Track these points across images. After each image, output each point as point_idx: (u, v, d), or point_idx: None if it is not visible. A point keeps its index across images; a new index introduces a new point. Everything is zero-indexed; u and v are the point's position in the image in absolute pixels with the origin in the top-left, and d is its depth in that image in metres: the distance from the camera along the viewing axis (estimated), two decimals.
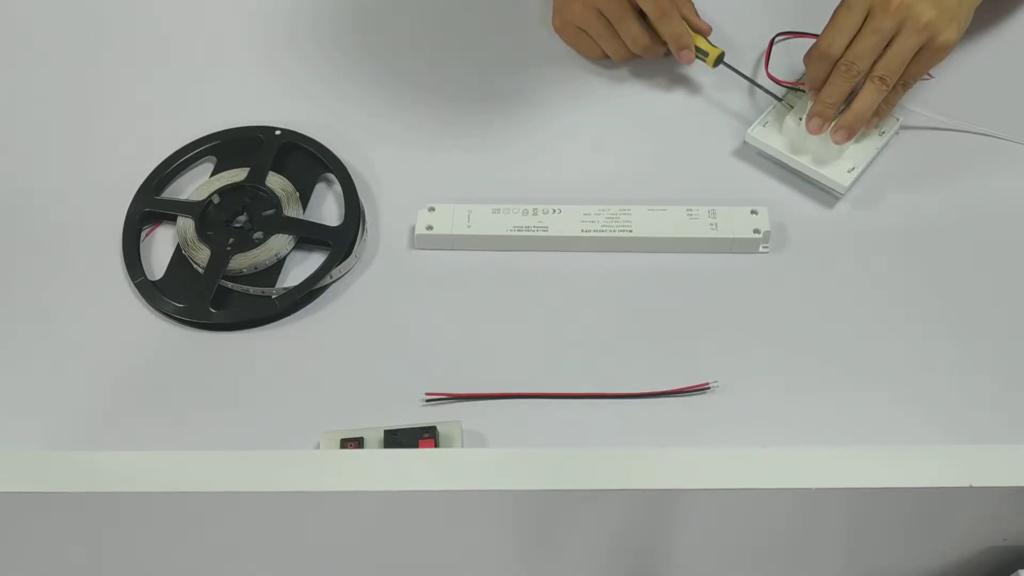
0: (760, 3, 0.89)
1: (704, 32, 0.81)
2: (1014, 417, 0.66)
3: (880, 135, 0.77)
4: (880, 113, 0.75)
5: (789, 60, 0.82)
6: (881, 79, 0.72)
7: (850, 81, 0.73)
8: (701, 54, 0.80)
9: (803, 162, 0.76)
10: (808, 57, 0.75)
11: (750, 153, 0.79)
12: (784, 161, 0.77)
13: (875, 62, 0.72)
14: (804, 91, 0.77)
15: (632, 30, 0.80)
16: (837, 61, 0.73)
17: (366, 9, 0.90)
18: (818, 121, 0.74)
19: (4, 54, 0.88)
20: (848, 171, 0.75)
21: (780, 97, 0.79)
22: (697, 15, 0.81)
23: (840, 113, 0.75)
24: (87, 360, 0.69)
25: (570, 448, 0.47)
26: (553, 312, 0.72)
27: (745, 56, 0.84)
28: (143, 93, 0.84)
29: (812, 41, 0.75)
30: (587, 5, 0.81)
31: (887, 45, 0.72)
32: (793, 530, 0.51)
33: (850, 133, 0.74)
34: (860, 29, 0.71)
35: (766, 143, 0.77)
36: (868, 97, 0.73)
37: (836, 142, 0.74)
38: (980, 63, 0.83)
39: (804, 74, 0.78)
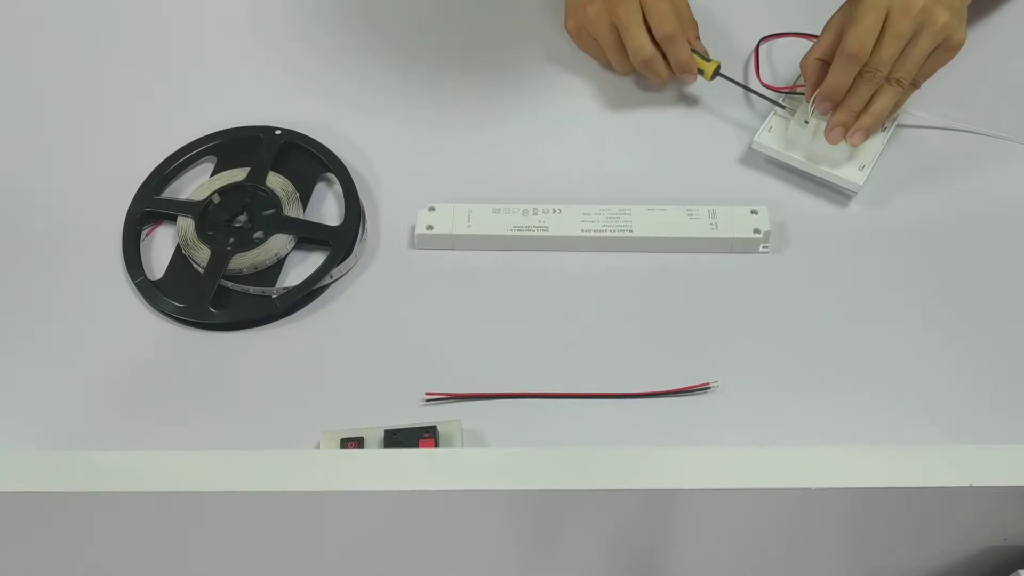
0: (737, 7, 0.88)
1: (702, 55, 0.81)
2: (1014, 417, 0.66)
3: (883, 131, 0.78)
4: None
5: (772, 64, 0.82)
6: (899, 82, 0.73)
7: (873, 87, 0.73)
8: (699, 66, 0.80)
9: (815, 164, 0.76)
10: (836, 58, 0.73)
11: (751, 153, 0.79)
12: (794, 165, 0.77)
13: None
14: (802, 94, 0.77)
15: (637, 39, 0.80)
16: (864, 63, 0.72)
17: (367, 9, 0.90)
18: (841, 130, 0.74)
19: (4, 54, 0.87)
20: (860, 169, 0.75)
21: (782, 104, 0.79)
22: (698, 38, 0.81)
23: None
24: (87, 360, 0.69)
25: (570, 448, 0.47)
26: (553, 312, 0.72)
27: (732, 63, 0.84)
28: (143, 93, 0.84)
29: (795, 41, 0.74)
30: (601, 12, 0.80)
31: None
32: (793, 530, 0.51)
33: (866, 135, 0.74)
34: (881, 32, 0.71)
35: (774, 148, 0.77)
36: (887, 100, 0.74)
37: (852, 144, 0.74)
38: (980, 63, 0.83)
39: (799, 77, 0.78)
